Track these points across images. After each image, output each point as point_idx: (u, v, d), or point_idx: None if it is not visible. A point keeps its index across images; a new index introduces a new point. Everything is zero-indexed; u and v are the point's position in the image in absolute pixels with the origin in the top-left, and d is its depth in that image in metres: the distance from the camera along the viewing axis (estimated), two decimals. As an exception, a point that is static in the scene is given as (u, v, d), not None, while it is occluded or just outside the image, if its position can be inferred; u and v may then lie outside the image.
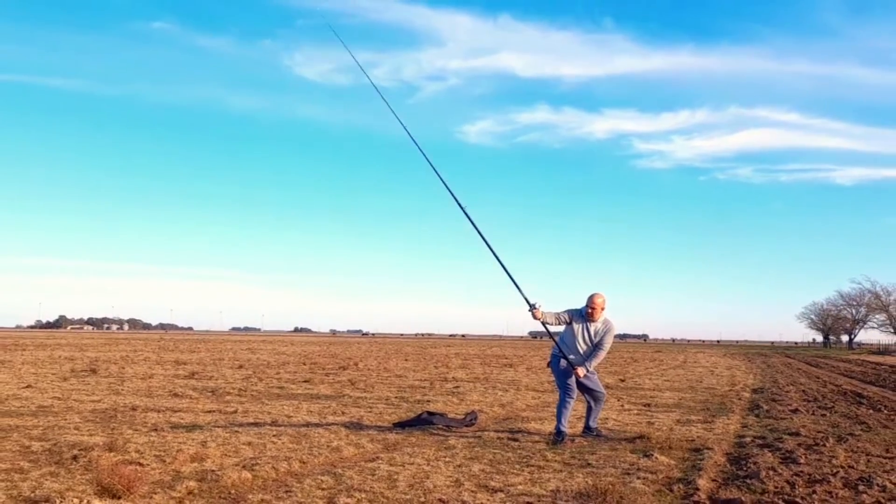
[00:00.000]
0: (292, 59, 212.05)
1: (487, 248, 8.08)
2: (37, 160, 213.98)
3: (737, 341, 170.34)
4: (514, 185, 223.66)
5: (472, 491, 5.28)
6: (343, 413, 9.99)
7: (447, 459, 6.51)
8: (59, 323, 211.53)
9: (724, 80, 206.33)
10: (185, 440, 7.19)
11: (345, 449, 6.96)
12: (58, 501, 4.63)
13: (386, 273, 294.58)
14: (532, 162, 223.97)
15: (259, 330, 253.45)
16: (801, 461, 6.61)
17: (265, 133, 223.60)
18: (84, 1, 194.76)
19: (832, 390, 16.13)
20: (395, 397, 12.50)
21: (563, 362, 7.97)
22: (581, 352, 7.98)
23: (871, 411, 11.43)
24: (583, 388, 8.11)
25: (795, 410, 11.28)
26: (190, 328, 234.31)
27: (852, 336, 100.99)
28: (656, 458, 6.69)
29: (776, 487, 5.51)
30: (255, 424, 8.61)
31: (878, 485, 5.58)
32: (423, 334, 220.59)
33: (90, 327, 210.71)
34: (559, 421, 7.84)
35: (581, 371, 7.89)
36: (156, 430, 7.96)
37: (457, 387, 15.12)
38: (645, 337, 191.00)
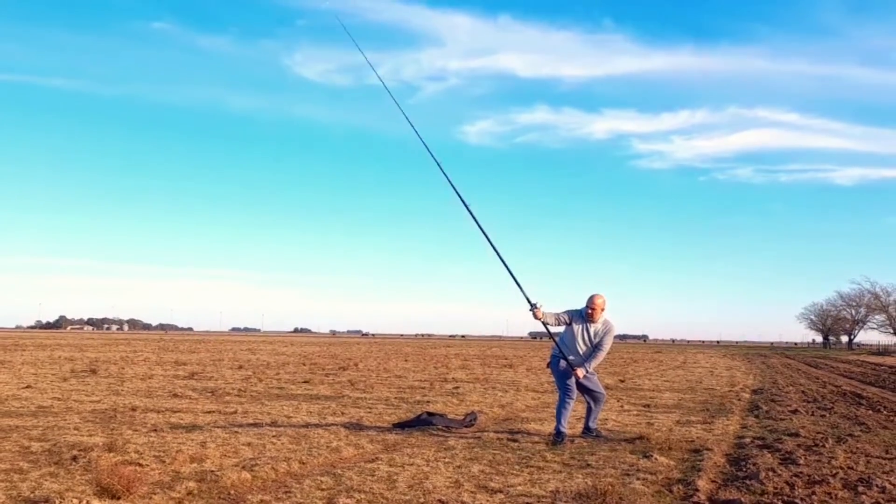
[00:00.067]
0: (292, 59, 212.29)
1: (490, 247, 8.09)
2: (37, 160, 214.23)
3: (736, 342, 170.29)
4: (513, 185, 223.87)
5: (472, 492, 5.28)
6: (343, 414, 9.99)
7: (447, 460, 6.51)
8: (59, 323, 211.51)
9: (724, 81, 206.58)
10: (185, 441, 7.19)
11: (344, 449, 6.96)
12: (57, 502, 4.63)
13: (386, 273, 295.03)
14: (532, 162, 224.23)
15: (259, 330, 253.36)
16: (801, 462, 6.61)
17: (265, 133, 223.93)
18: (84, 1, 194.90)
19: (832, 391, 16.13)
20: (395, 398, 12.50)
21: (562, 363, 7.97)
22: (581, 352, 7.98)
23: (870, 412, 11.43)
24: (582, 389, 8.11)
25: (795, 411, 11.28)
26: (190, 329, 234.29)
27: (852, 337, 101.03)
28: (656, 458, 6.69)
29: (775, 488, 5.51)
30: (255, 425, 8.61)
31: (877, 486, 5.58)
32: (422, 335, 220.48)
33: (90, 328, 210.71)
34: (559, 422, 7.84)
35: (580, 372, 7.90)
36: (155, 430, 7.96)
37: (456, 387, 15.12)
38: (644, 337, 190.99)
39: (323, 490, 5.25)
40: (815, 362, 37.18)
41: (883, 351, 73.92)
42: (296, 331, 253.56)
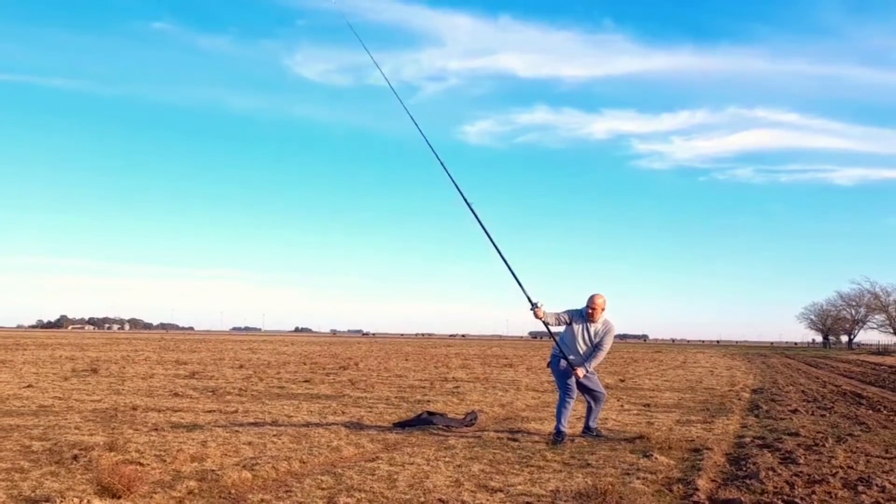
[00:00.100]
0: (292, 59, 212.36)
1: (492, 246, 8.08)
2: (37, 160, 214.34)
3: (736, 342, 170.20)
4: (513, 185, 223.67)
5: (472, 491, 5.29)
6: (343, 413, 10.00)
7: (447, 459, 6.51)
8: (60, 323, 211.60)
9: (724, 81, 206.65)
10: (186, 440, 7.20)
11: (345, 449, 6.97)
12: (58, 501, 4.64)
13: (386, 273, 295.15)
14: (532, 162, 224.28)
15: (259, 330, 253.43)
16: (801, 461, 6.61)
17: (265, 133, 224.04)
18: (84, 1, 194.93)
19: (832, 391, 16.13)
20: (396, 397, 12.51)
21: (562, 363, 7.98)
22: (581, 352, 7.99)
23: (870, 412, 11.44)
24: (583, 389, 8.12)
25: (795, 411, 11.28)
26: (191, 328, 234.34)
27: (852, 336, 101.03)
28: (656, 458, 6.70)
29: (775, 488, 5.52)
30: (256, 424, 8.62)
31: (877, 485, 5.59)
32: (423, 334, 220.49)
33: (91, 327, 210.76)
34: (559, 421, 7.85)
35: (581, 372, 7.90)
36: (156, 429, 7.97)
37: (457, 387, 15.13)
38: (645, 337, 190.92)
39: (323, 489, 5.26)
40: (815, 362, 37.18)
41: (883, 351, 73.90)
42: (296, 330, 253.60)
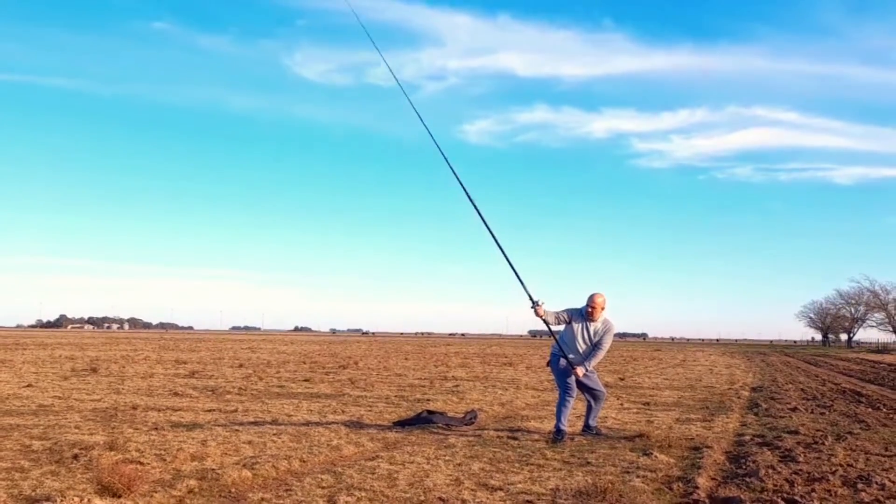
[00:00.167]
0: (292, 59, 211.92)
1: (495, 244, 8.06)
2: (37, 160, 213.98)
3: (736, 340, 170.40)
4: (513, 184, 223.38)
5: (472, 489, 5.29)
6: (343, 412, 10.00)
7: (447, 458, 6.52)
8: (60, 322, 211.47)
9: (723, 80, 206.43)
10: (186, 439, 7.20)
11: (345, 447, 6.97)
12: (58, 500, 4.64)
13: (386, 272, 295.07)
14: (531, 161, 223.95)
15: (259, 329, 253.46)
16: (800, 459, 6.62)
17: (265, 133, 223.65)
18: (84, 1, 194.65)
19: (831, 389, 16.15)
20: (395, 396, 12.51)
21: (562, 361, 7.99)
22: (580, 351, 7.99)
23: (869, 410, 11.45)
24: (582, 387, 8.13)
25: (794, 409, 11.29)
26: (190, 327, 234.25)
27: (851, 335, 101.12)
28: (656, 456, 6.71)
29: (775, 486, 5.52)
30: (256, 423, 8.63)
31: (876, 483, 5.60)
32: (422, 333, 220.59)
33: (90, 326, 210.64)
34: (559, 419, 7.85)
35: (580, 371, 7.91)
36: (156, 428, 7.97)
37: (456, 385, 15.13)
38: (644, 336, 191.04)
39: (324, 488, 5.26)
40: (815, 360, 37.21)
41: (882, 349, 73.95)
42: (296, 329, 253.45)
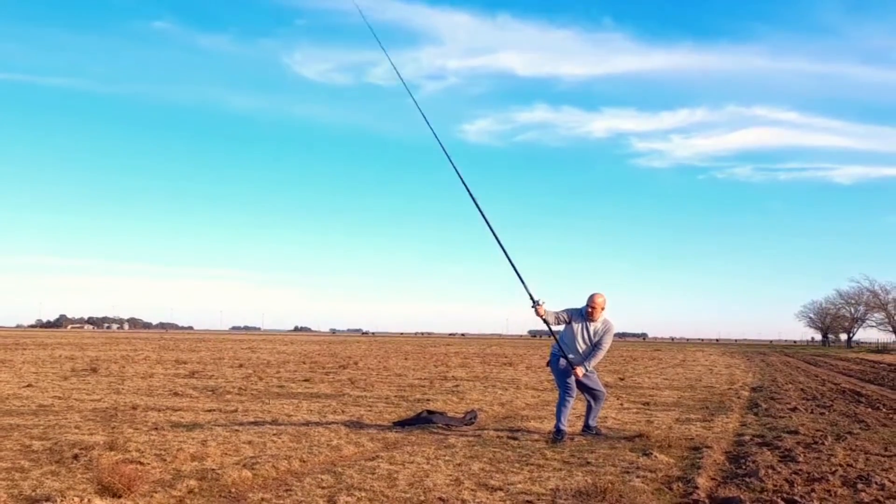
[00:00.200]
0: (292, 59, 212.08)
1: (496, 242, 8.06)
2: (37, 160, 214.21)
3: (736, 340, 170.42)
4: (513, 184, 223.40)
5: (472, 489, 5.29)
6: (343, 412, 10.00)
7: (447, 458, 6.52)
8: (60, 322, 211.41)
9: (723, 79, 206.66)
10: (186, 439, 7.20)
11: (345, 448, 6.97)
12: (58, 500, 4.64)
13: (386, 272, 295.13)
14: (531, 161, 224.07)
15: (259, 329, 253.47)
16: (800, 459, 6.62)
17: (265, 133, 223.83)
18: (84, 1, 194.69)
19: (831, 389, 16.15)
20: (395, 396, 12.51)
21: (562, 361, 7.99)
22: (580, 351, 8.00)
23: (869, 410, 11.45)
24: (582, 387, 8.13)
25: (794, 409, 11.30)
26: (190, 327, 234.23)
27: (851, 334, 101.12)
28: (655, 456, 6.71)
29: (775, 486, 5.52)
30: (256, 423, 8.63)
31: (876, 483, 5.60)
32: (422, 333, 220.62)
33: (90, 326, 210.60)
34: (559, 419, 7.86)
35: (580, 371, 7.91)
36: (156, 429, 7.98)
37: (456, 385, 15.14)
38: (644, 335, 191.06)
39: (324, 488, 5.26)
40: (815, 360, 37.22)
41: (882, 349, 73.95)
42: (296, 329, 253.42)
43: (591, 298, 7.99)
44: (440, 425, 8.52)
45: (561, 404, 7.97)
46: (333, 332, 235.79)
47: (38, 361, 21.83)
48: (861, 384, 18.20)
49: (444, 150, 8.57)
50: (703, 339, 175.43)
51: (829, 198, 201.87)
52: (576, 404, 8.51)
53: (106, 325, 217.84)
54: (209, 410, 9.86)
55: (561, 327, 8.15)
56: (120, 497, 4.79)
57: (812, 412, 10.96)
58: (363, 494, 5.07)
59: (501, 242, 8.06)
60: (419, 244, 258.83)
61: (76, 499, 4.68)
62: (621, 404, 11.75)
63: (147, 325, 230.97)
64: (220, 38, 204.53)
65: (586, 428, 8.26)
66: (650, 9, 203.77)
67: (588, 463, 6.45)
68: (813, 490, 5.37)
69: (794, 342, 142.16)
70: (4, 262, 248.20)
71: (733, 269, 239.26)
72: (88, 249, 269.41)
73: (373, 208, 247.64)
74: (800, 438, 7.99)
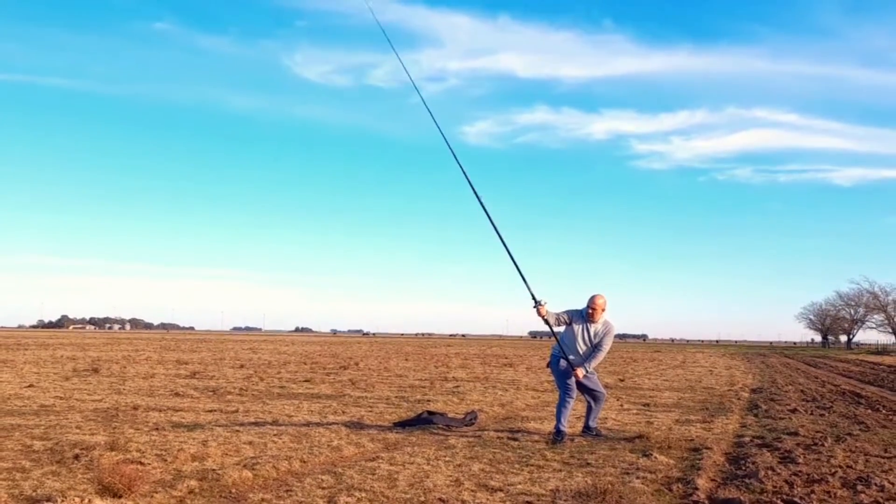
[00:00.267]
0: (292, 60, 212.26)
1: (499, 241, 8.04)
2: (38, 160, 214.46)
3: (735, 341, 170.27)
4: (513, 185, 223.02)
5: (472, 490, 5.30)
6: (344, 412, 10.01)
7: (447, 459, 6.53)
8: (61, 322, 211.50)
9: (723, 81, 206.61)
10: (187, 439, 7.22)
11: (345, 448, 6.99)
12: (59, 500, 4.65)
13: (386, 273, 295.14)
14: (531, 162, 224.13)
15: (260, 330, 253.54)
16: (800, 461, 6.63)
17: (265, 133, 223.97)
18: (84, 1, 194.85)
19: (831, 390, 16.15)
20: (396, 397, 12.52)
21: (562, 363, 8.00)
22: (581, 352, 8.01)
23: (869, 411, 11.46)
24: (582, 389, 8.14)
25: (794, 410, 11.30)
26: (191, 328, 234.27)
27: (851, 336, 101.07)
28: (655, 457, 6.72)
29: (775, 487, 5.53)
30: (256, 424, 8.64)
31: (876, 484, 5.61)
32: (423, 334, 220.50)
33: (92, 327, 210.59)
34: (559, 420, 7.87)
35: (580, 372, 7.92)
36: (157, 429, 7.99)
37: (457, 386, 15.14)
38: (644, 337, 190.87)
39: (324, 489, 5.27)
40: (814, 362, 37.20)
41: (881, 350, 73.91)
42: (297, 330, 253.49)
43: (592, 300, 8.00)
44: (440, 426, 8.53)
45: (561, 405, 7.98)
46: (334, 332, 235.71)
47: (40, 362, 21.85)
48: (861, 386, 18.20)
49: (449, 146, 8.58)
50: (703, 341, 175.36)
51: (829, 199, 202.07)
52: (576, 405, 8.52)
53: (107, 325, 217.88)
54: (210, 411, 9.87)
55: (561, 328, 8.16)
56: (121, 497, 4.80)
57: (812, 414, 10.96)
58: (363, 495, 5.08)
59: (504, 240, 8.05)
60: (419, 244, 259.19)
61: (77, 499, 4.69)
62: (621, 405, 11.75)
63: (148, 326, 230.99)
64: (220, 39, 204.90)
65: (586, 429, 8.27)
66: (650, 11, 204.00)
67: (588, 464, 6.46)
68: (812, 491, 5.38)
69: (794, 344, 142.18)
70: (5, 262, 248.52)
71: (733, 271, 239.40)
72: (89, 249, 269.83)
73: (373, 208, 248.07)
74: (799, 440, 7.99)
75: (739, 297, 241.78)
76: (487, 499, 5.07)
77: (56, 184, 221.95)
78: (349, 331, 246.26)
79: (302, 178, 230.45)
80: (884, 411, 11.43)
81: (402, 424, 8.69)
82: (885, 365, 32.69)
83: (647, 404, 12.10)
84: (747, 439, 8.10)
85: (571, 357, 7.96)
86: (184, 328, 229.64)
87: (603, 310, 8.04)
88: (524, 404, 11.71)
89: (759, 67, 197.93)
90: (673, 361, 33.09)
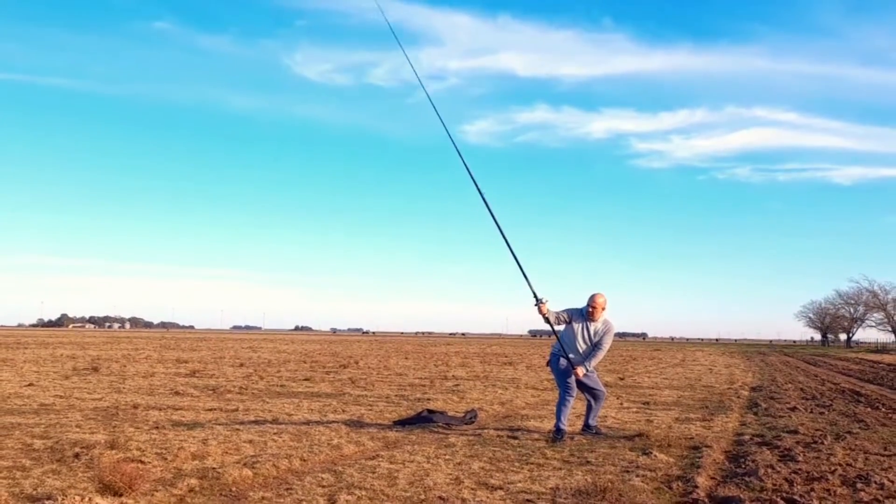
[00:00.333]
0: (292, 59, 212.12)
1: (502, 239, 8.02)
2: (38, 160, 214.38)
3: (735, 340, 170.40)
4: (513, 184, 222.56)
5: (472, 489, 5.31)
6: (344, 411, 10.02)
7: (447, 457, 6.54)
8: (61, 321, 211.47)
9: (723, 80, 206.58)
10: (187, 438, 7.22)
11: (345, 447, 6.99)
12: (60, 499, 4.65)
13: (386, 272, 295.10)
14: (531, 161, 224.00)
15: (260, 328, 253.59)
16: (800, 459, 6.64)
17: (265, 133, 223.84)
18: (84, 1, 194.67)
19: (830, 388, 16.16)
20: (396, 395, 12.53)
21: (562, 361, 8.01)
22: (581, 351, 8.01)
23: (869, 409, 11.47)
24: (582, 387, 8.14)
25: (794, 408, 11.31)
26: (191, 327, 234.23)
27: (850, 334, 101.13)
28: (655, 455, 6.72)
29: (774, 485, 5.54)
30: (256, 422, 8.64)
31: (875, 482, 5.61)
32: (423, 333, 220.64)
33: (92, 326, 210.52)
34: (559, 419, 7.87)
35: (580, 371, 7.93)
36: (157, 427, 7.99)
37: (457, 385, 15.15)
38: (644, 335, 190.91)
39: (324, 487, 5.28)
40: (814, 360, 37.22)
41: (881, 349, 73.93)
42: (297, 329, 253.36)
43: (592, 298, 8.00)
44: (440, 424, 8.54)
45: (561, 404, 7.99)
46: (334, 331, 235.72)
47: (40, 360, 21.85)
48: (860, 384, 18.21)
49: (452, 141, 8.57)
50: (702, 339, 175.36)
51: (829, 198, 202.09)
52: (576, 404, 8.52)
53: (107, 324, 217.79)
54: (210, 409, 9.87)
55: (561, 327, 8.16)
56: (121, 496, 4.80)
57: (811, 412, 10.97)
58: (363, 493, 5.08)
59: (505, 235, 8.03)
60: (419, 244, 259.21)
61: (77, 497, 4.69)
62: (621, 404, 11.76)
63: (148, 325, 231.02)
64: (220, 39, 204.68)
65: (586, 427, 8.28)
66: (650, 10, 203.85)
67: (588, 462, 6.46)
68: (812, 489, 5.39)
69: (794, 342, 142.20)
70: (5, 261, 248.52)
71: (733, 270, 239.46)
72: (89, 249, 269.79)
73: (373, 208, 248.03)
74: (799, 438, 8.00)
75: (739, 296, 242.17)
76: (487, 497, 5.07)
77: (56, 184, 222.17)
78: (349, 329, 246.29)
79: (302, 177, 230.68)
80: (883, 409, 11.44)
81: (402, 423, 8.69)
82: (885, 363, 32.70)
83: (647, 403, 12.10)
84: (747, 437, 8.11)
85: (571, 356, 7.96)
86: (183, 327, 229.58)
87: (603, 308, 8.04)
88: (524, 403, 11.71)
89: (758, 66, 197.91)
90: (673, 360, 33.10)
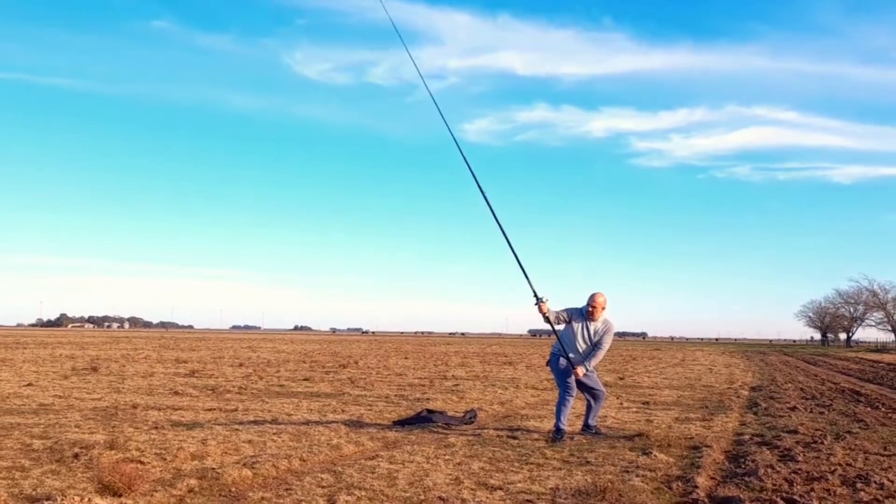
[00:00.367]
0: (292, 58, 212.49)
1: (503, 237, 8.02)
2: (38, 159, 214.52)
3: (735, 339, 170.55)
4: (512, 183, 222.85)
5: (472, 489, 5.30)
6: (343, 411, 10.01)
7: (447, 457, 6.53)
8: (60, 321, 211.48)
9: (723, 79, 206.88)
10: (186, 438, 7.21)
11: (345, 447, 6.98)
12: (59, 499, 4.65)
13: (386, 272, 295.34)
14: (531, 160, 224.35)
15: (259, 328, 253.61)
16: (800, 459, 6.63)
17: (265, 133, 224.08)
18: (84, 1, 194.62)
19: (830, 388, 16.16)
20: (395, 395, 12.52)
21: (562, 361, 8.00)
22: (580, 351, 8.00)
23: (868, 409, 11.46)
24: (582, 387, 8.14)
25: (794, 408, 11.30)
26: (190, 326, 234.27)
27: (850, 334, 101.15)
28: (655, 455, 6.72)
29: (774, 485, 5.53)
30: (256, 422, 8.64)
31: (875, 482, 5.61)
32: (422, 333, 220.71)
33: (91, 326, 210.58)
34: (558, 419, 7.87)
35: (580, 370, 7.92)
36: (156, 428, 7.98)
37: (456, 385, 15.14)
38: (644, 335, 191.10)
39: (323, 487, 5.27)
40: (814, 360, 37.22)
41: (881, 348, 73.96)
42: (296, 328, 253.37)
43: (592, 298, 8.00)
44: (440, 424, 8.53)
45: (561, 403, 7.98)
46: (333, 331, 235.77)
47: (39, 360, 21.84)
48: (860, 383, 18.21)
49: (454, 137, 8.59)
50: (702, 339, 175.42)
51: (829, 197, 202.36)
52: (575, 403, 8.52)
53: (106, 324, 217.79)
54: (209, 409, 9.87)
55: (561, 326, 8.16)
56: (120, 496, 4.79)
57: (811, 411, 10.96)
58: (363, 493, 5.08)
59: (506, 233, 8.02)
60: (419, 244, 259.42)
61: (77, 498, 4.68)
62: (621, 403, 11.76)
63: (147, 325, 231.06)
64: (220, 38, 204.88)
65: (586, 427, 8.27)
66: (650, 9, 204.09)
67: (588, 462, 6.46)
68: (812, 489, 5.38)
69: (794, 341, 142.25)
70: (5, 261, 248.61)
71: (733, 269, 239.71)
72: (89, 249, 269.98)
73: (373, 208, 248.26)
74: (799, 438, 8.00)
75: (739, 295, 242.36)
76: (487, 497, 5.07)
77: (56, 184, 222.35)
78: (348, 329, 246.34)
79: (302, 177, 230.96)
80: (883, 409, 11.43)
81: (402, 423, 8.69)
82: (885, 363, 32.71)
83: (647, 402, 12.10)
84: (747, 437, 8.10)
85: (571, 355, 7.95)
86: (183, 327, 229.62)
87: (603, 308, 8.03)
88: (524, 403, 11.71)
89: (758, 65, 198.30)
90: (672, 359, 33.10)
